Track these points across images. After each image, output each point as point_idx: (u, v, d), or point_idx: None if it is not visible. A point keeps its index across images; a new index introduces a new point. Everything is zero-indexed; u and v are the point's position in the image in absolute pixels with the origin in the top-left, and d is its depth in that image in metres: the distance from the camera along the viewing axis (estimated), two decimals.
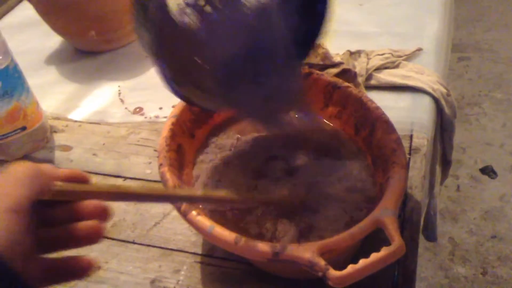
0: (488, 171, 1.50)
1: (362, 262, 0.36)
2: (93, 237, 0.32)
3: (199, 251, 0.51)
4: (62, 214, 0.31)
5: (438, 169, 0.71)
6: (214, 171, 0.51)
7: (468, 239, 1.32)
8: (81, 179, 0.33)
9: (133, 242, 0.53)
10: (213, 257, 0.51)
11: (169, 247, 0.52)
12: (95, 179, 0.61)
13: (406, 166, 0.43)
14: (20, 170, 0.29)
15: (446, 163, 0.74)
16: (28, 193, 0.28)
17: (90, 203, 0.32)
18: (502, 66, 1.90)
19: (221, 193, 0.45)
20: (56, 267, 0.31)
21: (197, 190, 0.46)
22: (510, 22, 2.14)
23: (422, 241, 0.90)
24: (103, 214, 0.32)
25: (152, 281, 0.49)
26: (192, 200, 0.42)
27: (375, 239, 0.40)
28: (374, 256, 0.36)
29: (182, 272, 0.50)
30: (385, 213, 0.39)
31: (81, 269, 0.31)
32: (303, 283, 0.47)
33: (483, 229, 1.34)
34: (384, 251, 0.36)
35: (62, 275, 0.31)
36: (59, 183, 0.31)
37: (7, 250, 0.26)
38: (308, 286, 0.46)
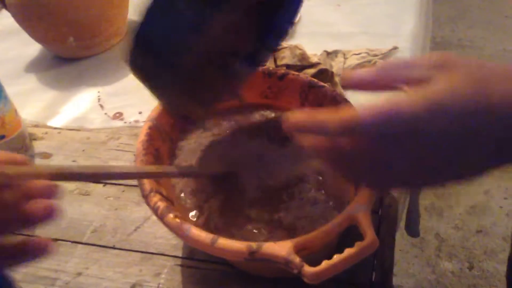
0: None
1: (336, 257, 0.36)
2: (48, 214, 0.32)
3: (180, 254, 0.52)
4: (12, 197, 0.31)
5: None
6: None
7: (454, 234, 1.34)
8: (20, 162, 0.33)
9: (114, 248, 0.53)
10: (193, 259, 0.51)
11: (150, 251, 0.52)
12: (75, 185, 0.61)
13: None
14: None
15: None
16: None
17: (38, 183, 0.32)
18: None
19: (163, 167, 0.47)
20: (11, 250, 0.31)
21: (146, 167, 0.47)
22: (493, 19, 2.17)
23: (408, 238, 0.91)
24: (52, 192, 0.32)
25: (133, 286, 0.50)
26: (134, 176, 0.43)
27: (353, 235, 0.41)
28: (347, 251, 0.36)
29: (163, 276, 0.50)
30: (358, 209, 0.39)
31: (37, 249, 0.32)
32: (284, 283, 0.47)
33: (469, 224, 1.36)
34: (357, 246, 0.37)
35: (21, 256, 0.32)
36: (6, 167, 0.31)
37: None
38: (289, 285, 0.47)
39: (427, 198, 1.41)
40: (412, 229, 0.77)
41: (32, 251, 0.32)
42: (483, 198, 1.42)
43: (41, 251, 0.32)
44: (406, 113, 0.27)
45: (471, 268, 1.25)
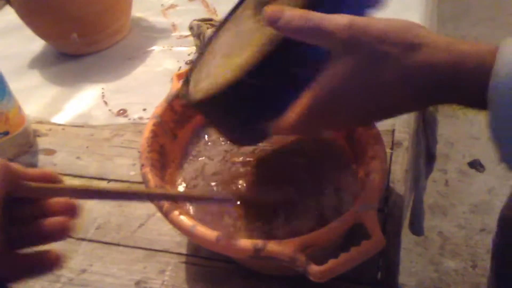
0: (476, 165, 1.51)
1: (342, 256, 0.36)
2: (61, 233, 0.32)
3: (184, 251, 0.51)
4: (32, 212, 0.32)
5: (422, 163, 0.72)
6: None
7: (458, 233, 1.33)
8: (51, 179, 0.33)
9: (118, 244, 0.53)
10: (198, 256, 0.51)
11: (154, 248, 0.52)
12: (79, 182, 0.61)
13: (386, 161, 0.43)
14: None
15: (430, 157, 0.74)
16: None
17: (59, 201, 0.33)
18: None
19: (196, 191, 0.47)
20: (26, 262, 0.31)
21: (169, 189, 0.47)
22: (496, 16, 2.16)
23: (411, 236, 0.90)
24: (72, 211, 0.33)
25: (137, 283, 0.49)
26: (162, 198, 0.42)
27: (358, 233, 0.40)
28: (354, 250, 0.36)
29: (167, 273, 0.50)
30: (364, 208, 0.39)
31: (50, 263, 0.32)
32: (288, 280, 0.47)
33: (472, 222, 1.35)
34: (364, 245, 0.36)
35: (33, 270, 0.32)
36: (29, 183, 0.31)
37: None
38: (293, 283, 0.46)
39: (430, 197, 1.40)
40: (416, 228, 0.77)
41: (45, 265, 0.32)
42: (487, 197, 1.41)
43: (53, 265, 0.32)
44: None
45: (474, 267, 1.25)
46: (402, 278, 1.22)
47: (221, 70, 0.41)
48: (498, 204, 1.39)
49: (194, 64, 0.47)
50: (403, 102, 0.34)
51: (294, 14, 0.34)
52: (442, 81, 0.31)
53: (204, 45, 0.48)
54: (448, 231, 1.34)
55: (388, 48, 0.32)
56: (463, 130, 1.63)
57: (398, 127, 0.59)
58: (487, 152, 1.54)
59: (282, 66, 0.37)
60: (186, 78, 0.46)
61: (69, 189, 0.34)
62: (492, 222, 1.33)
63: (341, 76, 0.33)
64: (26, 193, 0.31)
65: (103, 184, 0.60)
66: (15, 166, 0.31)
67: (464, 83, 0.31)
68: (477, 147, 1.57)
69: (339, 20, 0.33)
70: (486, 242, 1.30)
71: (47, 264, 0.32)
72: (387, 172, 0.53)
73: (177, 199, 0.44)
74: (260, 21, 0.41)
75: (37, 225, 0.32)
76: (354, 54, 0.33)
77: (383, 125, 0.50)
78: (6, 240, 0.29)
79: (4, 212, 0.29)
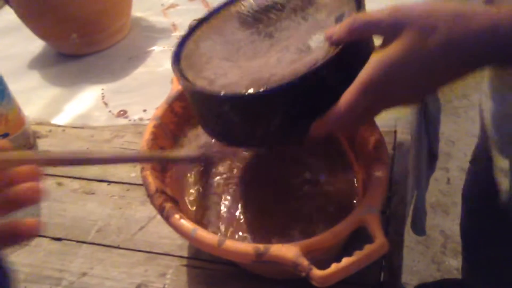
0: None
1: (345, 260, 0.36)
2: (34, 196, 0.32)
3: (185, 254, 0.51)
4: None
5: (424, 163, 0.71)
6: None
7: (460, 231, 1.33)
8: (7, 148, 0.34)
9: (118, 247, 0.53)
10: (199, 259, 0.50)
11: (155, 251, 0.52)
12: (79, 184, 0.61)
13: (388, 163, 0.43)
14: None
15: (432, 157, 0.74)
16: None
17: (23, 168, 0.33)
18: None
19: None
20: (4, 230, 0.31)
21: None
22: None
23: (413, 235, 0.90)
24: (35, 176, 0.33)
25: (138, 286, 0.49)
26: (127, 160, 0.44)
27: (361, 237, 0.40)
28: (357, 254, 0.36)
29: (168, 276, 0.49)
30: (367, 211, 0.38)
31: (27, 229, 0.32)
32: (290, 283, 0.46)
33: None
34: (367, 249, 0.36)
35: (8, 238, 0.32)
36: None
37: None
38: (294, 286, 0.46)
39: (432, 195, 1.40)
40: (418, 228, 0.77)
41: (20, 232, 0.32)
42: None
43: (30, 232, 0.32)
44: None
45: None
46: (404, 277, 1.21)
47: (246, 72, 0.41)
48: None
49: (178, 59, 0.46)
50: (450, 71, 0.37)
51: (341, 25, 0.38)
52: (484, 44, 0.34)
53: (181, 42, 0.48)
54: (450, 229, 1.33)
55: (434, 20, 0.34)
56: (465, 128, 1.62)
57: (400, 128, 0.58)
58: None
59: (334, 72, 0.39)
60: (180, 73, 0.45)
61: (30, 158, 0.34)
62: None
63: (395, 55, 0.35)
64: None
65: (103, 186, 0.60)
66: None
67: (504, 41, 0.33)
68: None
69: (381, 10, 0.37)
70: None
71: (23, 232, 0.32)
72: (390, 174, 0.52)
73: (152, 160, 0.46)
74: (254, 34, 0.45)
75: (6, 193, 0.32)
76: (404, 33, 0.35)
77: (385, 126, 0.50)
78: None
79: None
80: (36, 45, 0.87)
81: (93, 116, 0.70)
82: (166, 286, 0.49)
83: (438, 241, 1.31)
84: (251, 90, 0.38)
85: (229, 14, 0.48)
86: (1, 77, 0.61)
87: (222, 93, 0.39)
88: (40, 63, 0.84)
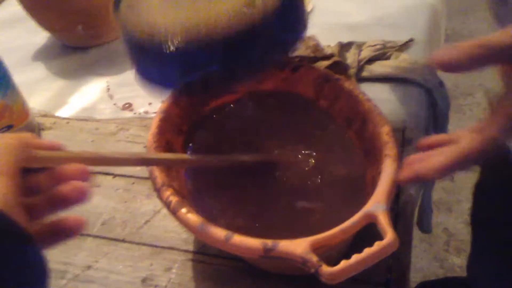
0: None
1: (355, 257, 0.35)
2: (79, 196, 0.33)
3: (191, 248, 0.51)
4: (46, 180, 0.33)
5: None
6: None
7: (463, 229, 1.32)
8: (58, 148, 0.34)
9: (123, 241, 0.52)
10: (205, 254, 0.50)
11: (160, 245, 0.52)
12: None
13: (399, 159, 0.42)
14: (5, 140, 0.30)
15: None
16: (15, 159, 0.29)
17: (70, 167, 0.33)
18: None
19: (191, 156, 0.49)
20: (48, 230, 0.32)
21: (170, 154, 0.47)
22: None
23: (417, 232, 0.89)
24: (83, 175, 0.33)
25: (143, 280, 0.49)
26: (164, 162, 0.44)
27: (369, 233, 0.39)
28: (367, 251, 0.35)
29: (174, 270, 0.49)
30: (377, 208, 0.38)
31: (71, 227, 0.32)
32: (297, 279, 0.46)
33: None
34: (377, 246, 0.35)
35: (55, 236, 0.32)
36: (40, 151, 0.32)
37: (10, 210, 0.27)
38: (302, 282, 0.46)
39: (436, 193, 1.39)
40: (424, 225, 0.76)
41: (66, 230, 0.32)
42: None
43: (73, 230, 0.33)
44: None
45: None
46: None
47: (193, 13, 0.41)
48: None
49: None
50: None
51: (457, 51, 0.33)
52: None
53: None
54: (454, 227, 1.33)
55: None
56: (469, 126, 1.61)
57: (409, 125, 0.58)
58: None
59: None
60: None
61: (77, 157, 0.34)
62: None
63: None
64: (38, 163, 0.32)
65: (108, 179, 0.59)
66: (27, 136, 0.32)
67: None
68: None
69: (501, 32, 0.32)
70: None
71: (68, 230, 0.32)
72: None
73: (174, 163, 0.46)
74: None
75: (52, 192, 0.32)
76: None
77: (393, 123, 0.49)
78: (24, 212, 0.29)
79: (20, 184, 0.29)
80: (41, 37, 0.86)
81: (98, 109, 0.70)
82: (172, 280, 0.48)
83: (441, 239, 1.31)
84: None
85: None
86: (6, 69, 0.61)
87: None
88: (45, 55, 0.83)
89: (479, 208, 0.74)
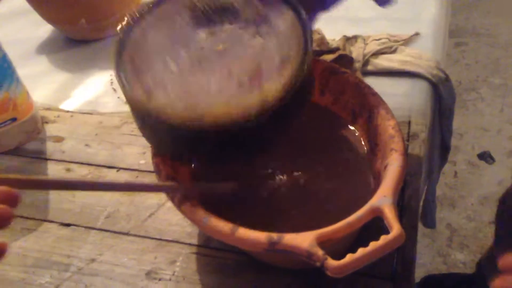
0: (485, 156, 1.49)
1: (360, 251, 0.35)
2: (1, 221, 0.31)
3: (195, 241, 0.51)
4: None
5: (436, 155, 0.70)
6: None
7: (466, 225, 1.32)
8: None
9: (128, 234, 0.52)
10: (209, 247, 0.50)
11: (165, 238, 0.51)
12: (88, 170, 0.60)
13: (405, 153, 0.42)
14: None
15: (444, 149, 0.73)
16: None
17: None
18: (500, 51, 1.89)
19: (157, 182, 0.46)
20: None
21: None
22: (508, 6, 2.12)
23: (420, 228, 0.89)
24: (12, 199, 0.31)
25: (148, 273, 0.49)
26: (99, 187, 0.42)
27: (375, 227, 0.39)
28: (373, 245, 0.35)
29: (178, 263, 0.49)
30: (383, 201, 0.38)
31: None
32: (301, 273, 0.46)
33: (481, 215, 1.34)
34: (383, 240, 0.35)
35: None
36: None
37: None
38: (306, 276, 0.46)
39: (439, 189, 1.39)
40: (428, 220, 0.76)
41: None
42: (497, 189, 1.39)
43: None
44: None
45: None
46: None
47: (185, 89, 0.40)
48: None
49: (122, 56, 0.44)
50: None
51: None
52: None
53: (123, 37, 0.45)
54: (457, 223, 1.33)
55: None
56: (473, 121, 1.61)
57: (414, 119, 0.58)
58: (497, 144, 1.53)
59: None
60: (119, 73, 0.42)
61: (7, 179, 0.33)
62: None
63: None
64: None
65: (112, 172, 0.59)
66: None
67: None
68: (486, 138, 1.55)
69: None
70: None
71: None
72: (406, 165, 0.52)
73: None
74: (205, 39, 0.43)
75: None
76: None
77: (399, 117, 0.49)
78: None
79: None
80: (44, 30, 0.86)
81: (102, 102, 0.70)
82: (176, 273, 0.48)
83: (444, 235, 1.30)
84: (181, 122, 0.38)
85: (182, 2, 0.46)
86: (10, 62, 0.61)
87: (154, 117, 0.39)
88: (48, 48, 0.83)
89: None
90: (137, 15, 0.46)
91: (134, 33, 0.45)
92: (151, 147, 0.46)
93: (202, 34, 0.43)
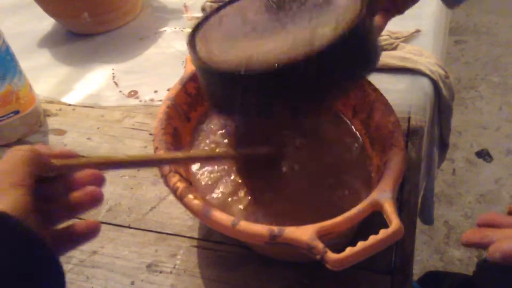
0: (483, 154, 1.50)
1: (360, 244, 0.35)
2: (94, 200, 0.34)
3: (196, 235, 0.51)
4: (61, 188, 0.34)
5: (435, 151, 0.71)
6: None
7: (464, 222, 1.33)
8: (70, 156, 0.35)
9: (129, 227, 0.53)
10: (210, 241, 0.50)
11: (165, 231, 0.52)
12: None
13: (405, 149, 0.43)
14: (19, 152, 0.31)
15: (443, 146, 0.73)
16: (30, 170, 0.30)
17: (84, 173, 0.34)
18: (499, 49, 1.89)
19: (202, 152, 0.50)
20: (65, 235, 0.33)
21: (179, 152, 0.47)
22: (508, 4, 2.12)
23: (417, 224, 0.90)
24: (98, 180, 0.34)
25: (149, 266, 0.49)
26: (176, 161, 0.44)
27: (374, 221, 0.40)
28: (372, 238, 0.36)
29: (179, 257, 0.50)
30: (383, 196, 0.38)
31: (87, 231, 0.34)
32: (301, 267, 0.46)
33: (479, 212, 1.35)
34: (382, 234, 0.36)
35: (73, 241, 0.33)
36: (54, 160, 0.33)
37: (24, 219, 0.28)
38: (307, 269, 0.46)
39: (437, 186, 1.40)
40: (427, 217, 0.77)
41: (82, 235, 0.33)
42: (494, 187, 1.40)
43: (90, 234, 0.34)
44: None
45: (479, 256, 1.24)
46: None
47: (260, 48, 0.41)
48: (505, 194, 1.39)
49: (197, 32, 0.47)
50: None
51: None
52: None
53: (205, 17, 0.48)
54: (454, 220, 1.34)
55: None
56: (472, 119, 1.62)
57: (414, 115, 0.58)
58: (496, 142, 1.53)
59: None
60: (192, 43, 0.45)
61: (91, 162, 0.35)
62: (499, 212, 1.33)
63: None
64: (53, 171, 0.33)
65: None
66: (40, 147, 0.33)
67: None
68: (485, 136, 1.56)
69: None
70: None
71: (84, 234, 0.33)
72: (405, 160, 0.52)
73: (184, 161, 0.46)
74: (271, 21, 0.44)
75: (68, 199, 0.33)
76: None
77: (399, 113, 0.49)
78: (41, 220, 0.30)
79: (37, 193, 0.30)
80: (46, 23, 0.86)
81: (104, 96, 0.70)
82: (177, 266, 0.49)
83: (441, 232, 1.31)
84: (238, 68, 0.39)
85: None
86: (13, 54, 0.61)
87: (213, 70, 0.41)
88: (50, 41, 0.83)
89: None
90: (217, 7, 0.49)
91: (211, 20, 0.48)
92: (154, 136, 0.46)
93: (269, 17, 0.45)
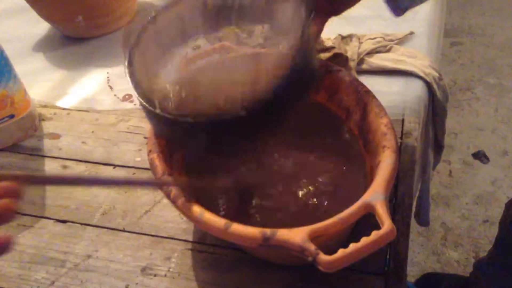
0: (480, 156, 1.50)
1: (352, 246, 0.36)
2: (5, 215, 0.32)
3: (190, 238, 0.51)
4: None
5: (430, 153, 0.71)
6: None
7: (460, 223, 1.33)
8: None
9: (124, 230, 0.53)
10: (204, 244, 0.50)
11: (160, 234, 0.52)
12: (85, 167, 0.60)
13: (397, 150, 0.43)
14: None
15: (438, 148, 0.74)
16: None
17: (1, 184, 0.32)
18: (495, 51, 1.90)
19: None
20: None
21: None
22: (504, 6, 2.13)
23: (414, 226, 0.90)
24: (14, 193, 0.32)
25: (143, 269, 0.49)
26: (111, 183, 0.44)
27: (367, 223, 0.40)
28: (364, 240, 0.36)
29: (173, 260, 0.50)
30: (375, 197, 0.38)
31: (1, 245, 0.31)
32: (296, 269, 0.46)
33: (475, 213, 1.35)
34: (374, 235, 0.36)
35: None
36: None
37: None
38: (301, 272, 0.46)
39: (433, 187, 1.40)
40: (422, 218, 0.77)
41: None
42: (491, 188, 1.40)
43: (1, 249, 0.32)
44: None
45: (477, 257, 1.25)
46: None
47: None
48: (502, 195, 1.39)
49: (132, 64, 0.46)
50: None
51: None
52: None
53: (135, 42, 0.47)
54: (451, 221, 1.34)
55: None
56: (468, 121, 1.62)
57: (408, 117, 0.58)
58: (492, 144, 1.53)
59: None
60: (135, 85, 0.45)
61: (10, 175, 0.33)
62: (495, 213, 1.33)
63: None
64: None
65: (108, 169, 0.60)
66: None
67: None
68: (481, 138, 1.56)
69: None
70: (489, 234, 1.30)
71: None
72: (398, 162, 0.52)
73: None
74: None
75: None
76: None
77: (393, 115, 0.50)
78: None
79: None
80: (41, 27, 0.86)
81: (98, 100, 0.70)
82: (171, 269, 0.49)
83: (438, 233, 1.31)
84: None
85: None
86: (8, 59, 0.61)
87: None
88: (45, 45, 0.83)
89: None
90: (152, 16, 0.48)
91: (147, 32, 0.47)
92: (148, 139, 0.46)
93: (203, 38, 0.44)
